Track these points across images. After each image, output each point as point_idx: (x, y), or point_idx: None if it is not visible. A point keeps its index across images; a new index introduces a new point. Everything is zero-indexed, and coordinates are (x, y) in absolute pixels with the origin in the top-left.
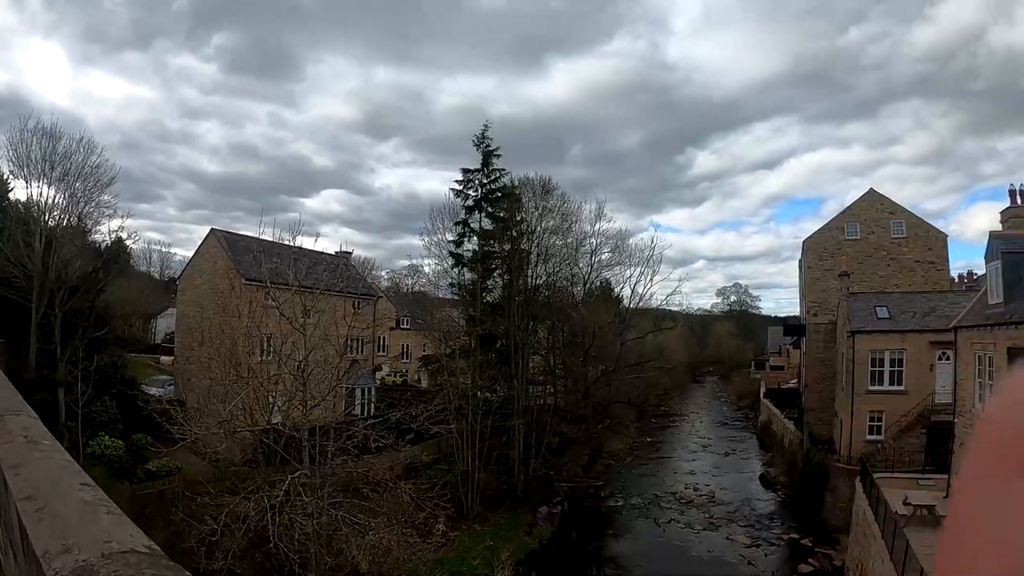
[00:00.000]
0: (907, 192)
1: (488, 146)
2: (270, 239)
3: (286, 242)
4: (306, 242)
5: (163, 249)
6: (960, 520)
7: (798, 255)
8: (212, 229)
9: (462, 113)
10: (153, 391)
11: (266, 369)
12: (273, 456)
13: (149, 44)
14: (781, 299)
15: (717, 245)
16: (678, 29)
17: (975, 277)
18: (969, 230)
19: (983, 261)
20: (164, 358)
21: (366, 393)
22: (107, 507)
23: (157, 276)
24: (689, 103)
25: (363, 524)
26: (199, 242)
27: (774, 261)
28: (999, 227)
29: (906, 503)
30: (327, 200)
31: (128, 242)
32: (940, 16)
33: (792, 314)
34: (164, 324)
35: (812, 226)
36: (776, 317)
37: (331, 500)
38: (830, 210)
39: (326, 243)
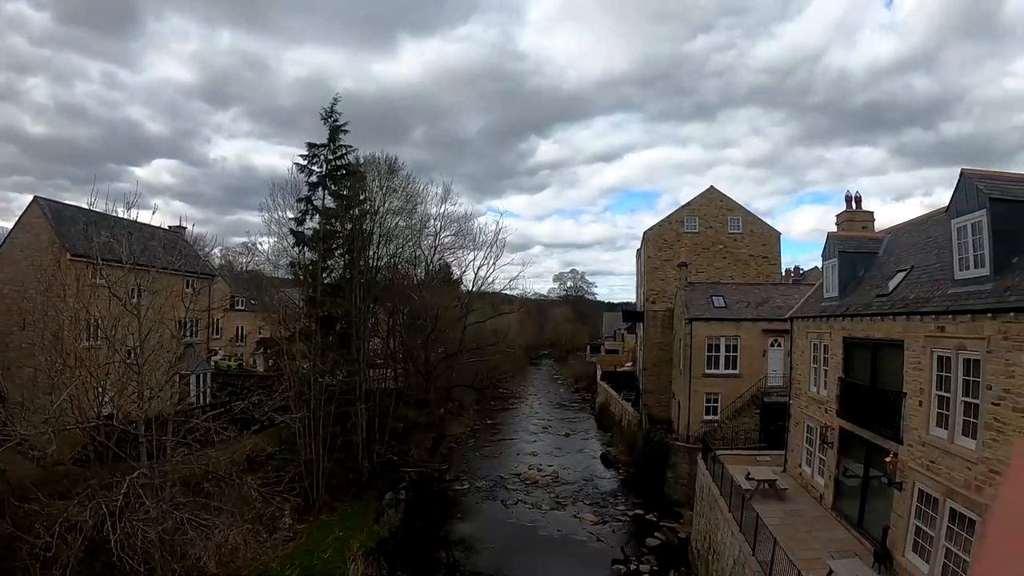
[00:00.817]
0: (739, 191)
1: (336, 121)
2: (100, 211)
3: (118, 214)
4: (138, 215)
5: None
6: (1005, 528)
7: (633, 244)
8: (35, 197)
9: (306, 86)
10: None
11: (96, 356)
12: (106, 454)
13: None
14: (615, 286)
15: (554, 232)
16: (533, 20)
17: (801, 272)
18: (794, 229)
19: (807, 257)
20: None
21: (202, 380)
22: None
23: None
24: (537, 93)
25: (208, 524)
26: (20, 212)
27: (609, 249)
28: (824, 228)
29: (749, 478)
30: (159, 170)
31: None
32: (785, 34)
33: (625, 300)
34: None
35: (648, 218)
36: (610, 303)
37: (173, 501)
38: (665, 204)
39: (157, 217)
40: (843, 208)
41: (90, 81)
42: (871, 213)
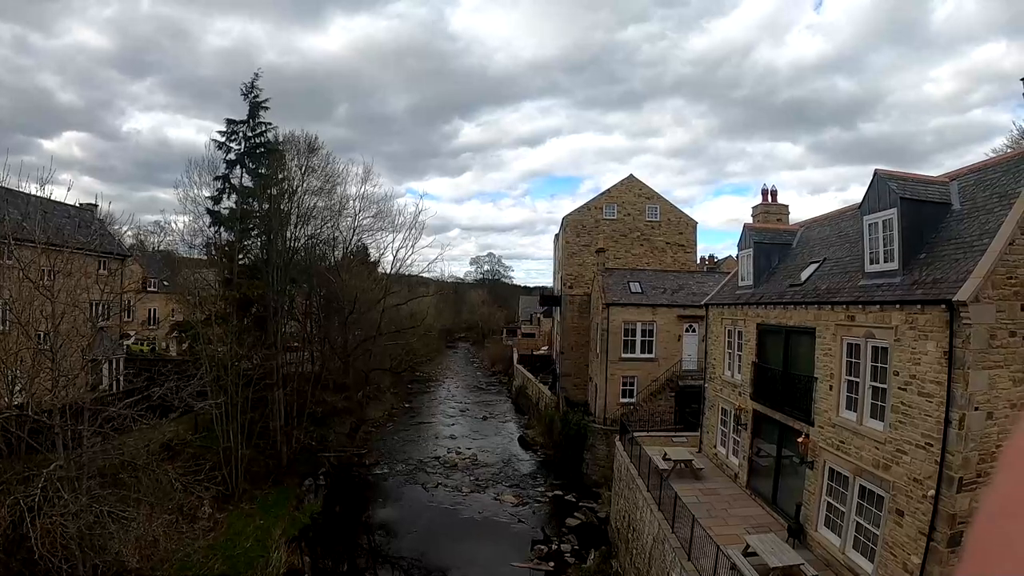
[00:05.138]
0: (659, 180)
1: (256, 97)
2: (9, 187)
3: (25, 190)
4: (52, 192)
5: None
6: (1001, 507)
7: (552, 229)
8: None
9: (227, 56)
10: None
11: (4, 341)
12: (19, 446)
13: None
14: (531, 269)
15: (473, 215)
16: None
17: (716, 261)
18: (711, 218)
19: (723, 246)
20: None
21: (115, 366)
22: None
23: None
24: (463, 74)
25: (128, 516)
26: None
27: (528, 234)
28: (741, 218)
29: (666, 459)
30: (69, 143)
31: None
32: (716, 29)
33: (542, 284)
34: None
35: (568, 203)
36: (527, 287)
37: (91, 493)
38: (587, 189)
39: (64, 193)
40: (759, 200)
41: (0, 44)
42: (786, 206)
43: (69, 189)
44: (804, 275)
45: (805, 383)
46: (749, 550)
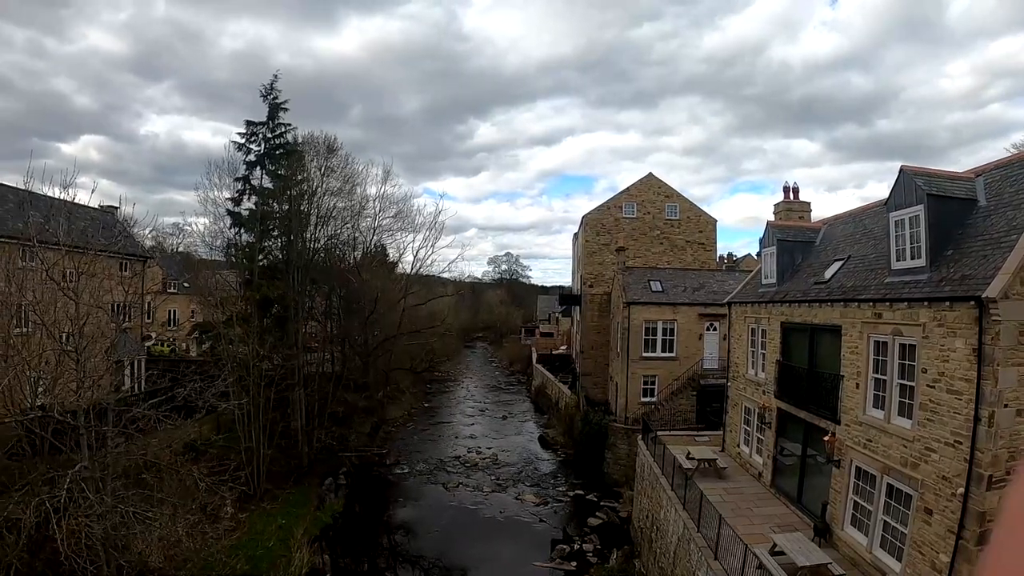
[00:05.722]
0: (674, 178)
1: (276, 98)
2: (25, 188)
3: (48, 193)
4: (76, 195)
5: None
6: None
7: (569, 228)
8: None
9: (241, 59)
10: None
11: (28, 343)
12: (42, 447)
13: None
14: (548, 269)
15: (489, 215)
16: (477, 0)
17: (735, 259)
18: (728, 217)
19: (740, 244)
20: None
21: (136, 367)
22: None
23: None
24: (477, 75)
25: (152, 517)
26: None
27: (544, 233)
28: (757, 216)
29: (689, 458)
30: (86, 146)
31: None
32: (730, 26)
33: (559, 284)
34: None
35: (584, 202)
36: (544, 286)
37: (116, 494)
38: (602, 188)
39: (85, 196)
40: (779, 198)
41: (13, 49)
42: (808, 204)
43: (93, 191)
44: (829, 272)
45: (831, 381)
46: (776, 549)
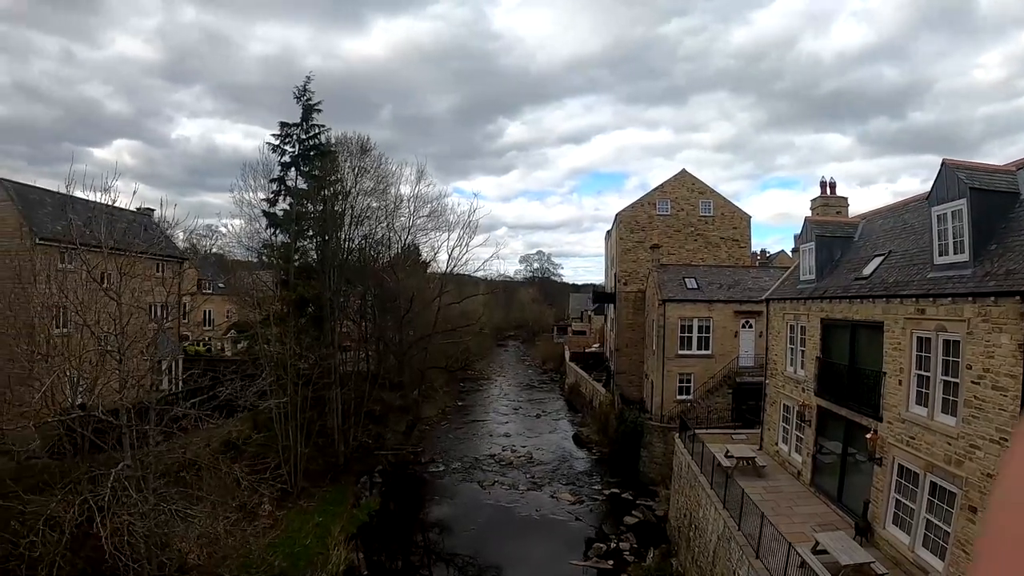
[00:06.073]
0: (705, 175)
1: (309, 100)
2: (63, 191)
3: (85, 196)
4: (116, 198)
5: None
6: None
7: (599, 226)
8: None
9: (271, 63)
10: None
11: (69, 344)
12: (83, 445)
13: None
14: (579, 267)
15: (520, 213)
16: None
17: (768, 255)
18: (759, 213)
19: (772, 241)
20: None
21: (174, 366)
22: None
23: None
24: (506, 74)
25: (192, 514)
26: None
27: (574, 231)
28: (790, 212)
29: (728, 456)
30: (119, 151)
31: None
32: (759, 20)
33: (590, 282)
34: None
35: (614, 199)
36: (575, 284)
37: (157, 492)
38: (633, 185)
39: (121, 199)
40: (811, 194)
41: (47, 57)
42: (845, 199)
43: (135, 193)
44: (869, 268)
45: (873, 378)
46: (818, 548)
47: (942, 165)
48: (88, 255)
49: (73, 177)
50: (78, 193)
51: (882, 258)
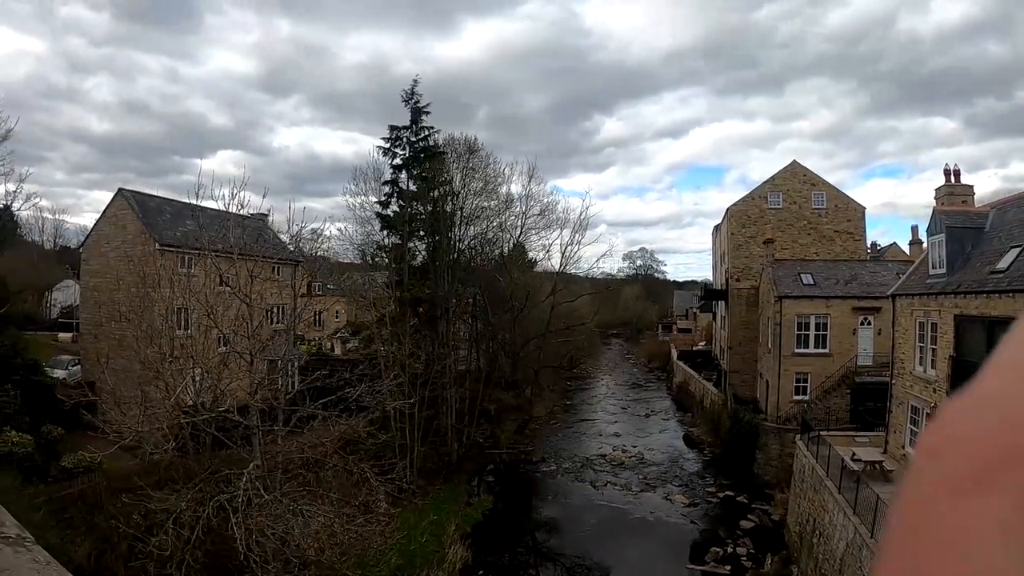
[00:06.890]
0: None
1: (418, 102)
2: (179, 199)
3: (201, 203)
4: (246, 204)
5: (56, 216)
6: (901, 548)
7: (699, 221)
8: (120, 189)
9: (365, 70)
10: (58, 373)
11: (195, 345)
12: (206, 443)
13: None
14: (680, 264)
15: (619, 210)
16: None
17: (879, 248)
18: (863, 203)
19: (878, 232)
20: (62, 335)
21: (291, 366)
22: None
23: (48, 246)
24: (600, 69)
25: (312, 511)
26: (90, 207)
27: (674, 227)
28: (896, 202)
29: (855, 459)
30: (223, 161)
31: (18, 209)
32: (854, 0)
33: (691, 278)
34: (60, 298)
35: (714, 194)
36: (677, 281)
37: (283, 491)
38: (732, 179)
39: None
40: (916, 182)
41: (151, 75)
42: (971, 186)
43: (264, 196)
44: (1006, 261)
45: None
46: None
47: None
48: (216, 260)
49: (201, 187)
50: (195, 201)
51: (1020, 250)
